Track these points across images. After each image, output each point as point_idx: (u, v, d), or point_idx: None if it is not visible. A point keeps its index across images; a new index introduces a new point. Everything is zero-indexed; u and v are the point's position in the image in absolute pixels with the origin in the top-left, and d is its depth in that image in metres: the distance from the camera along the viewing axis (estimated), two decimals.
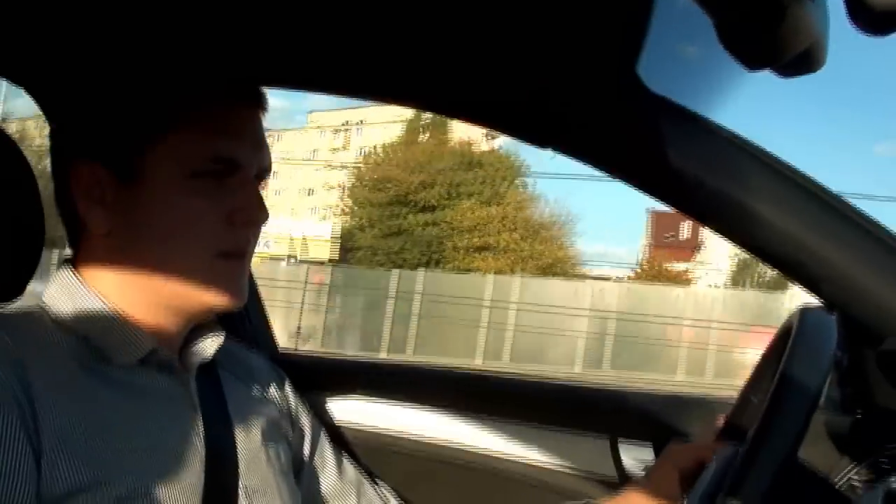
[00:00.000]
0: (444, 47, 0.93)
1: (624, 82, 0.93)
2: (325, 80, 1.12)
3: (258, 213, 0.92)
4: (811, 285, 0.96)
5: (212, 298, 0.91)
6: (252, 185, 0.92)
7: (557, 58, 0.91)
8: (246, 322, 1.39)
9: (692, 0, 0.54)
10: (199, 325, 0.98)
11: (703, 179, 0.94)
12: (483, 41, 0.90)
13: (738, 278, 32.51)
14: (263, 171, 0.95)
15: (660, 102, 0.95)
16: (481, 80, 1.00)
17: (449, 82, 1.03)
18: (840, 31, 0.59)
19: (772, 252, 0.97)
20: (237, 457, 0.94)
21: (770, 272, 39.32)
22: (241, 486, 0.93)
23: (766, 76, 0.64)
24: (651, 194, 1.02)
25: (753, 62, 0.61)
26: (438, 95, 1.06)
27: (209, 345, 0.97)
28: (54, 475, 0.76)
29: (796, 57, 0.59)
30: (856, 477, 0.96)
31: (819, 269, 0.93)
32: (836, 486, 0.96)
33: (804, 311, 0.81)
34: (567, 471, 1.22)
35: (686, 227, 51.23)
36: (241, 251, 0.92)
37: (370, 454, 1.31)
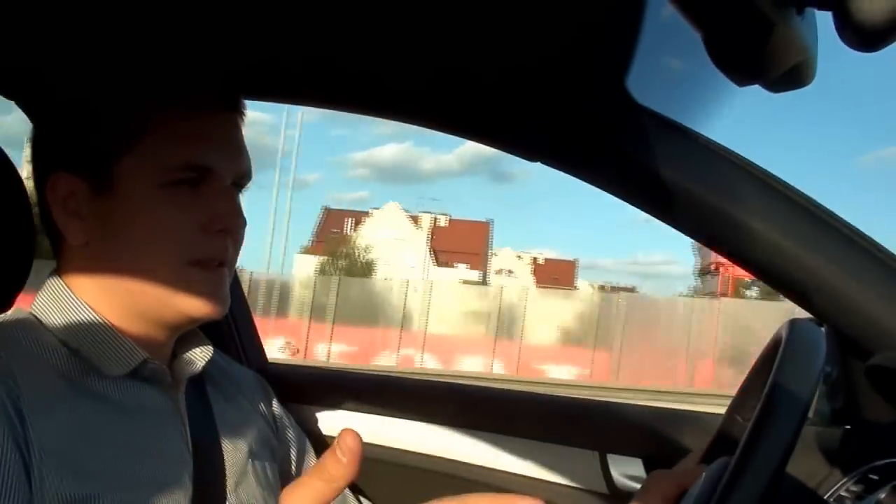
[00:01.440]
0: (433, 62, 0.94)
1: (613, 96, 0.94)
2: (312, 92, 1.12)
3: (233, 221, 0.90)
4: (802, 299, 0.96)
5: (188, 307, 0.90)
6: (227, 193, 0.91)
7: (546, 72, 0.91)
8: (234, 334, 1.39)
9: (682, 16, 0.54)
10: (186, 338, 0.97)
11: (693, 193, 0.94)
12: (472, 56, 0.90)
13: (325, 269, 42.90)
14: (241, 177, 0.93)
15: (649, 116, 0.95)
16: (471, 94, 1.00)
17: (439, 97, 1.03)
18: (826, 44, 0.60)
19: (762, 265, 0.97)
20: (225, 472, 0.93)
21: (359, 261, 44.09)
22: (229, 502, 0.92)
23: (755, 90, 0.64)
24: (641, 208, 1.03)
25: (743, 77, 0.61)
26: (428, 110, 1.06)
27: (198, 358, 0.97)
28: (43, 489, 0.75)
29: (785, 72, 0.59)
30: (845, 491, 0.96)
31: (809, 283, 0.94)
32: (826, 500, 0.96)
33: (793, 324, 0.81)
34: (557, 484, 1.22)
35: (349, 224, 57.18)
36: (216, 259, 0.91)
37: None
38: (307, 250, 53.64)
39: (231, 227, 0.91)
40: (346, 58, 0.95)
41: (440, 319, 20.10)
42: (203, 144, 0.89)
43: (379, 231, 54.95)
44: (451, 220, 61.73)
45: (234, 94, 0.95)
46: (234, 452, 0.96)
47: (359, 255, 47.02)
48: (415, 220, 59.60)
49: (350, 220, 59.15)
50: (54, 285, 0.91)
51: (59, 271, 0.92)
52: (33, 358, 0.83)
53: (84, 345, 0.87)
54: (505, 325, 19.33)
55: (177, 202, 0.87)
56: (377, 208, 59.29)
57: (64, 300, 0.89)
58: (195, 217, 0.88)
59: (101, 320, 0.88)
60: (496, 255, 61.14)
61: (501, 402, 1.34)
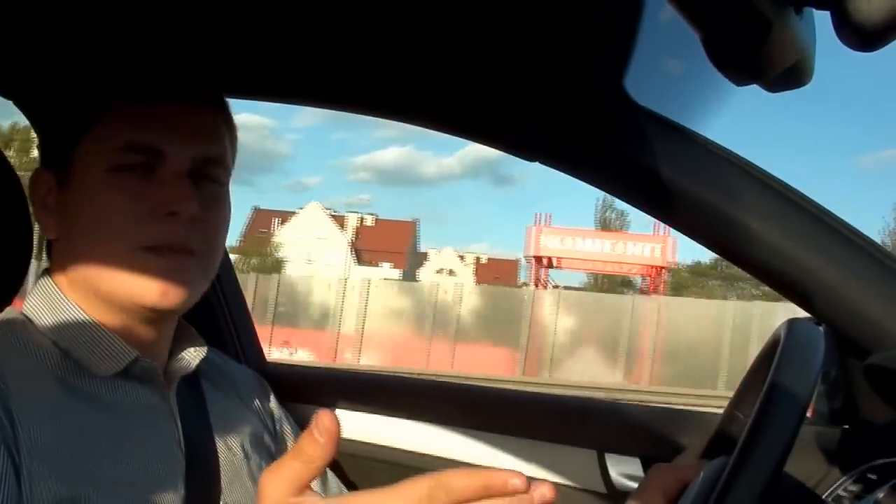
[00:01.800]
0: (432, 61, 0.93)
1: (612, 96, 0.94)
2: (311, 92, 1.12)
3: (182, 204, 0.87)
4: (801, 299, 0.96)
5: (139, 294, 0.87)
6: (178, 176, 0.88)
7: (544, 72, 0.91)
8: (232, 333, 1.39)
9: (680, 15, 0.54)
10: (181, 337, 0.97)
11: (692, 193, 0.94)
12: (471, 55, 0.90)
13: (239, 266, 43.36)
14: (202, 162, 0.90)
15: (648, 116, 0.95)
16: (470, 94, 1.00)
17: (438, 96, 1.03)
18: (825, 43, 0.60)
19: (761, 266, 0.97)
20: (219, 471, 0.93)
21: (269, 259, 46.91)
22: (222, 501, 0.92)
23: (753, 90, 0.64)
24: (640, 208, 1.03)
25: (741, 77, 0.61)
26: (427, 109, 1.06)
27: (192, 357, 0.97)
28: (34, 490, 0.75)
29: (784, 71, 0.59)
30: (843, 490, 0.96)
31: (808, 283, 0.94)
32: (824, 500, 0.96)
33: (792, 324, 0.81)
34: (555, 483, 1.22)
35: (276, 224, 59.43)
36: (168, 245, 0.87)
37: (356, 466, 1.30)
38: (233, 250, 55.07)
39: (179, 211, 0.87)
40: (345, 55, 0.95)
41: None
42: (150, 126, 0.87)
43: (299, 231, 56.54)
44: (377, 220, 63.49)
45: (200, 83, 0.95)
46: (227, 452, 0.96)
47: (269, 254, 48.90)
48: (339, 219, 61.21)
49: (277, 219, 60.68)
50: (45, 285, 0.91)
51: (50, 270, 0.93)
52: (23, 358, 0.83)
53: (74, 344, 0.87)
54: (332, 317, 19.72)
55: (125, 187, 0.86)
56: (302, 209, 60.96)
57: (53, 300, 0.89)
58: (145, 201, 0.86)
59: (90, 319, 0.88)
60: (438, 254, 61.87)
61: (500, 402, 1.35)
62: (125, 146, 0.86)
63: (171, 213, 0.87)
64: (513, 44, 0.85)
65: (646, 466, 1.17)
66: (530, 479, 0.47)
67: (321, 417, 0.50)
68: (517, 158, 1.06)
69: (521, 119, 1.01)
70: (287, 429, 1.15)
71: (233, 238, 58.69)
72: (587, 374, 16.92)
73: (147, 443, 0.87)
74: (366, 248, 60.00)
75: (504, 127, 1.03)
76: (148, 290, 0.87)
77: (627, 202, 1.03)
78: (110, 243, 0.87)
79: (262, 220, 60.63)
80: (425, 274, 57.93)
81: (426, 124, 1.09)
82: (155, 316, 0.91)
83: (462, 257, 63.43)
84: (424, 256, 61.69)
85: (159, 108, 0.89)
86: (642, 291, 26.11)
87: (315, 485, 1.15)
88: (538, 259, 27.01)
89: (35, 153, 1.07)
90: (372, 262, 58.47)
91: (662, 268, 25.91)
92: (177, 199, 0.87)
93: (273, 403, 1.15)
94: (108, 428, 0.84)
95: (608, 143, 0.98)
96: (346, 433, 1.36)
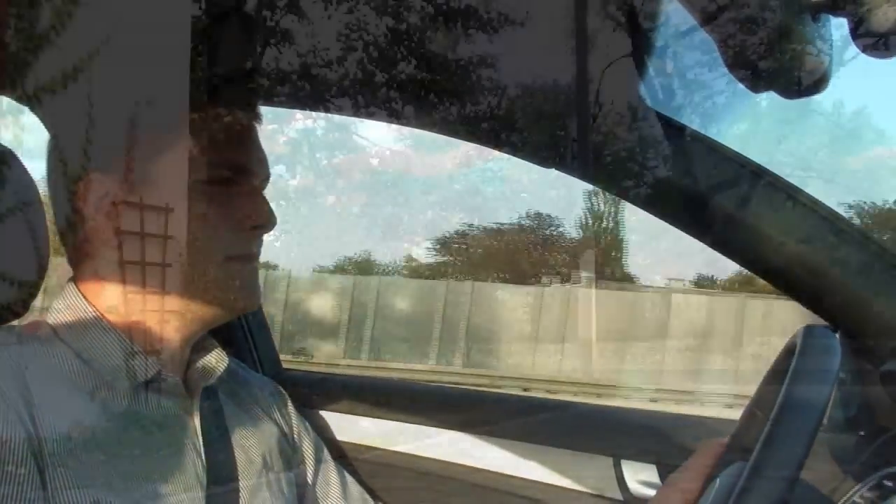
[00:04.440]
0: (449, 70, 0.94)
1: (627, 102, 0.94)
2: (318, 98, 1.13)
3: (267, 219, 0.94)
4: (816, 305, 0.96)
5: (227, 301, 0.92)
6: (260, 192, 0.94)
7: (557, 81, 0.91)
8: (249, 340, 1.39)
9: (697, 23, 0.54)
10: (200, 346, 0.97)
11: (706, 198, 0.94)
12: (483, 62, 0.91)
13: None
14: (265, 180, 0.97)
15: (663, 122, 0.95)
16: (485, 102, 1.00)
17: (452, 104, 1.03)
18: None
19: (776, 271, 0.97)
20: (238, 484, 0.93)
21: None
22: None
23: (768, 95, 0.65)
24: (654, 213, 1.03)
25: (757, 84, 0.62)
26: (442, 116, 1.06)
27: (212, 367, 0.97)
28: (56, 498, 0.75)
29: (800, 79, 0.60)
30: (859, 497, 0.96)
31: (823, 289, 0.94)
32: None
33: (808, 330, 0.81)
34: (572, 490, 1.22)
35: None
36: (250, 255, 0.94)
37: (374, 472, 1.31)
38: None
39: (266, 224, 0.94)
40: (363, 67, 0.95)
41: None
42: (241, 146, 0.93)
43: None
44: None
45: (254, 101, 0.97)
46: (247, 464, 0.96)
47: None
48: None
49: None
50: (70, 294, 0.91)
51: (76, 279, 0.92)
52: (47, 367, 0.83)
53: (97, 356, 0.86)
54: None
55: (215, 199, 0.90)
56: None
57: (79, 310, 0.89)
58: (231, 214, 0.91)
59: (115, 331, 0.88)
60: None
61: (516, 409, 1.34)
62: (226, 163, 0.91)
63: (256, 227, 0.93)
64: (526, 51, 0.86)
65: (661, 473, 1.17)
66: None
67: None
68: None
69: (536, 126, 1.02)
70: (305, 437, 1.14)
71: None
72: None
73: (168, 455, 0.87)
74: None
75: (520, 134, 1.04)
76: (234, 296, 0.92)
77: (641, 207, 1.03)
78: (202, 253, 0.90)
79: None
80: None
81: (442, 130, 1.09)
82: (223, 321, 0.96)
83: None
84: None
85: (241, 125, 0.94)
86: None
87: (336, 491, 1.16)
88: None
89: None
90: None
91: None
92: (263, 214, 0.94)
93: (291, 412, 1.14)
94: (130, 439, 0.84)
95: (622, 150, 0.98)
96: (364, 439, 1.36)
